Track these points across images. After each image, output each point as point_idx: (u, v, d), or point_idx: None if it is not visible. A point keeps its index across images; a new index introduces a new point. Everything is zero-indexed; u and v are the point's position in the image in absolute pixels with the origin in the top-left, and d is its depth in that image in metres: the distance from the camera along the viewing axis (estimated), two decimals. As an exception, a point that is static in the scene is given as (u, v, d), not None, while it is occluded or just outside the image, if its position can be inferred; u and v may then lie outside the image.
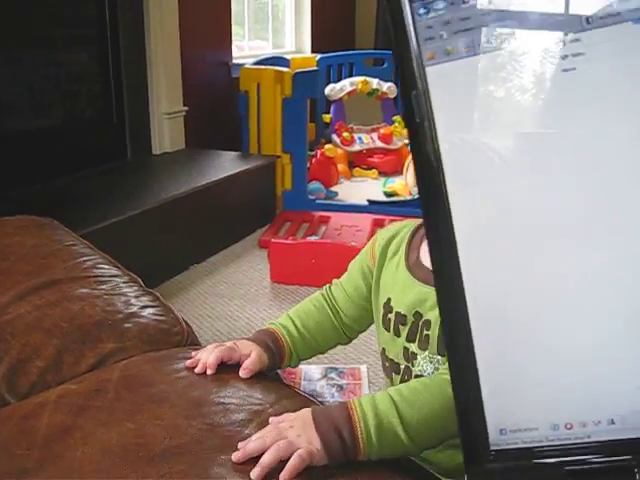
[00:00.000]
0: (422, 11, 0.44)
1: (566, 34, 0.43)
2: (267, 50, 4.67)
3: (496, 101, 0.44)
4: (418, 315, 0.91)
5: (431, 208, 0.44)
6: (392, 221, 3.37)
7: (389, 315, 0.96)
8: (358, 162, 4.16)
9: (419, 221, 0.96)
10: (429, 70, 0.44)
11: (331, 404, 0.82)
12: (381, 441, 0.76)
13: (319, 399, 0.94)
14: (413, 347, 0.92)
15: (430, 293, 0.89)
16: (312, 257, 2.51)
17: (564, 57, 0.43)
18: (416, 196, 3.47)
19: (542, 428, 0.47)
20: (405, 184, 3.67)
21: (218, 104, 3.80)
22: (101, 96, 3.09)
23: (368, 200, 3.46)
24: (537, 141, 0.45)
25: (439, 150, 0.43)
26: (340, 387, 1.91)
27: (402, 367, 0.95)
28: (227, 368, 0.93)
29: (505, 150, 0.45)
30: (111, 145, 3.13)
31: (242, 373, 0.92)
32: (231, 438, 0.77)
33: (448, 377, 0.50)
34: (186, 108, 3.42)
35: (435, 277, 0.46)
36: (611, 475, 0.46)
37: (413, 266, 0.94)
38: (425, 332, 0.90)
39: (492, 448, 0.46)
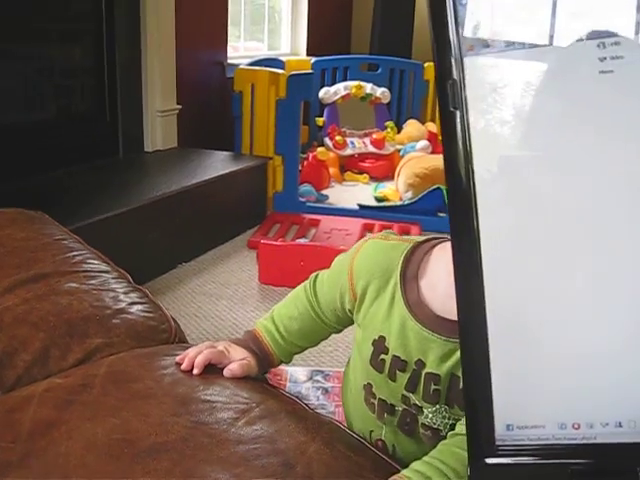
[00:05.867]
0: (465, 1, 0.44)
1: (607, 36, 0.44)
2: (262, 51, 4.67)
3: (530, 96, 0.44)
4: (421, 364, 0.83)
5: (458, 200, 0.44)
6: (382, 226, 3.37)
7: (382, 356, 0.87)
8: (350, 166, 4.17)
9: (407, 246, 0.87)
10: (467, 60, 0.44)
11: None
12: None
13: (304, 401, 0.94)
14: (414, 398, 0.85)
15: (436, 342, 0.81)
16: (301, 259, 2.51)
17: (602, 59, 0.43)
18: (406, 202, 3.48)
19: (549, 426, 0.47)
20: (396, 189, 3.68)
21: (212, 104, 3.80)
22: (94, 92, 3.07)
23: (359, 204, 3.46)
24: (567, 139, 0.45)
25: (470, 140, 0.43)
26: (325, 390, 1.90)
27: (399, 410, 0.88)
28: (214, 368, 0.93)
29: (535, 145, 0.45)
30: (103, 141, 3.11)
31: (225, 372, 0.92)
32: (217, 436, 0.77)
33: None
34: (179, 107, 3.41)
35: (456, 272, 0.45)
36: (616, 478, 0.46)
37: (414, 305, 0.83)
38: (434, 387, 0.82)
39: (497, 443, 0.46)
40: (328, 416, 0.89)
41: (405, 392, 0.86)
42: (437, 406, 0.84)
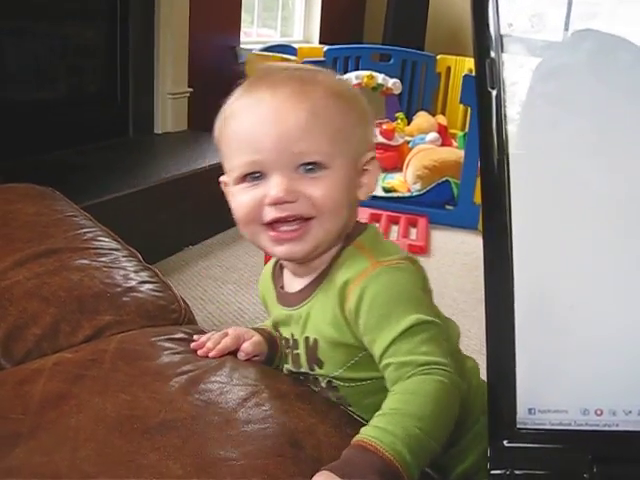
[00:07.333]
0: None
1: None
2: (275, 38, 4.65)
3: (568, 78, 0.44)
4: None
5: (491, 180, 0.43)
6: (390, 216, 3.34)
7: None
8: (358, 156, 4.16)
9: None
10: (506, 40, 0.43)
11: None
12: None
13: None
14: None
15: (290, 314, 0.89)
16: (308, 247, 2.50)
17: None
18: (414, 193, 3.47)
19: (572, 411, 0.46)
20: (404, 181, 3.67)
21: (223, 88, 3.77)
22: (106, 71, 3.07)
23: (366, 194, 3.46)
24: (604, 121, 0.45)
25: (506, 120, 0.43)
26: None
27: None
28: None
29: (571, 127, 0.44)
30: (113, 121, 3.11)
31: (240, 355, 0.93)
32: (227, 415, 0.77)
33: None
34: (190, 89, 3.40)
35: (485, 253, 0.45)
36: (636, 466, 0.46)
37: (280, 298, 0.92)
38: (295, 351, 0.90)
39: (519, 426, 0.46)
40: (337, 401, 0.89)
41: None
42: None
